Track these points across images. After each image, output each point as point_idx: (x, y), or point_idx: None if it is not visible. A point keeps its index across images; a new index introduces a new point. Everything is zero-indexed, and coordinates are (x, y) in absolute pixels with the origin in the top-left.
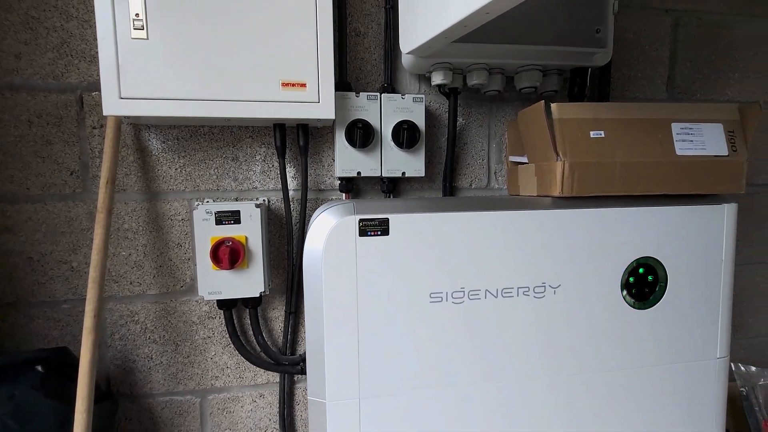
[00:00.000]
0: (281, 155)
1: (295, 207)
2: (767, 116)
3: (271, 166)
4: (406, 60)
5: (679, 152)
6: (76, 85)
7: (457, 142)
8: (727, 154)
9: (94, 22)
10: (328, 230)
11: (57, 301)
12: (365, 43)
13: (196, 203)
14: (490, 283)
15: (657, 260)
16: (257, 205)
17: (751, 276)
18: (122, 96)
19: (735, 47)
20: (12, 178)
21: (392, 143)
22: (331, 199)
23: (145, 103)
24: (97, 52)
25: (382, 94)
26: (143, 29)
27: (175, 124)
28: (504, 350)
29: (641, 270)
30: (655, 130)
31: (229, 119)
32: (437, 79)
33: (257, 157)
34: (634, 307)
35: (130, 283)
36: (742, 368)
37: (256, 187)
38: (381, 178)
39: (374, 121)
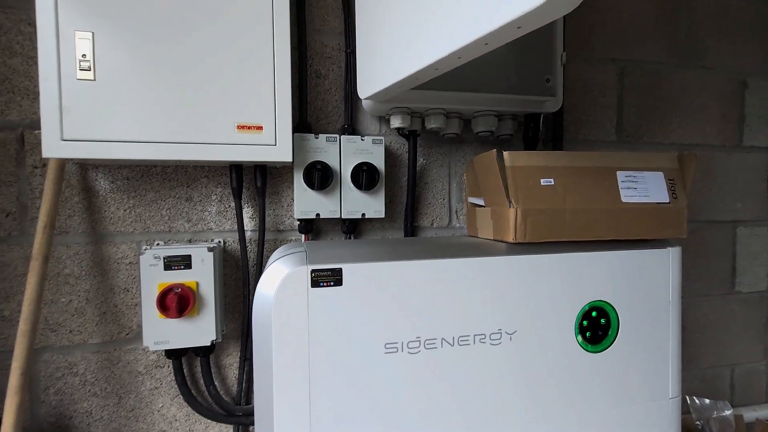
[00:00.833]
0: (237, 196)
1: (252, 248)
2: (708, 159)
3: (227, 206)
4: (365, 103)
5: (624, 199)
6: (17, 122)
7: (418, 182)
8: (668, 201)
9: None
10: (278, 281)
11: None
12: (326, 84)
13: (144, 248)
14: (446, 331)
15: (608, 303)
16: (210, 249)
17: (701, 309)
18: (64, 138)
19: (675, 94)
20: None
21: (352, 185)
22: (291, 240)
23: (90, 146)
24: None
25: (342, 136)
26: (90, 70)
27: (125, 164)
28: (461, 399)
29: (594, 313)
30: (602, 178)
31: (181, 161)
32: (396, 122)
33: (213, 198)
34: (588, 351)
35: (70, 332)
36: (697, 402)
37: (211, 228)
38: (341, 219)
39: (333, 163)
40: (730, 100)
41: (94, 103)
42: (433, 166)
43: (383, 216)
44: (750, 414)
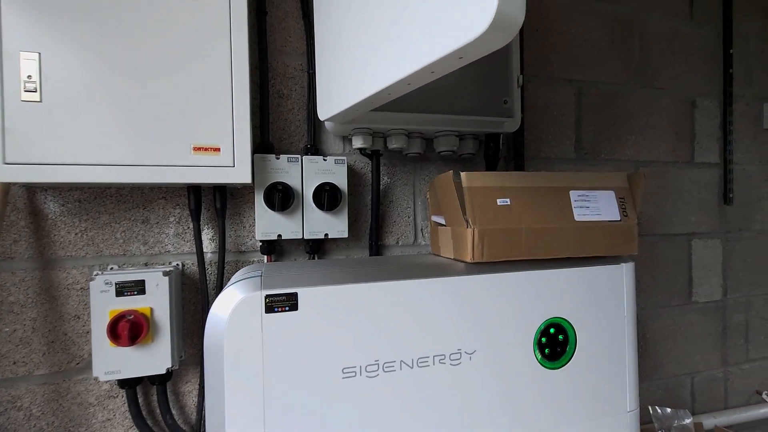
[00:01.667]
0: (195, 219)
1: (213, 271)
2: (662, 175)
3: (186, 228)
4: (327, 124)
5: (577, 218)
6: None
7: (383, 200)
8: (619, 219)
9: None
10: (231, 308)
11: None
12: (289, 104)
13: (95, 273)
14: (405, 353)
15: (566, 320)
16: (165, 273)
17: (661, 319)
18: (7, 161)
19: (630, 113)
20: None
21: (314, 205)
22: (253, 261)
23: (35, 169)
24: None
25: (304, 156)
26: (36, 91)
27: (76, 186)
28: (422, 422)
29: (552, 330)
30: (556, 198)
31: (135, 184)
32: (357, 143)
33: (171, 219)
34: (547, 367)
35: (14, 364)
36: (659, 411)
37: (168, 251)
38: (304, 240)
39: (295, 184)
40: (681, 119)
41: (40, 125)
42: (397, 185)
43: (346, 236)
44: (709, 421)
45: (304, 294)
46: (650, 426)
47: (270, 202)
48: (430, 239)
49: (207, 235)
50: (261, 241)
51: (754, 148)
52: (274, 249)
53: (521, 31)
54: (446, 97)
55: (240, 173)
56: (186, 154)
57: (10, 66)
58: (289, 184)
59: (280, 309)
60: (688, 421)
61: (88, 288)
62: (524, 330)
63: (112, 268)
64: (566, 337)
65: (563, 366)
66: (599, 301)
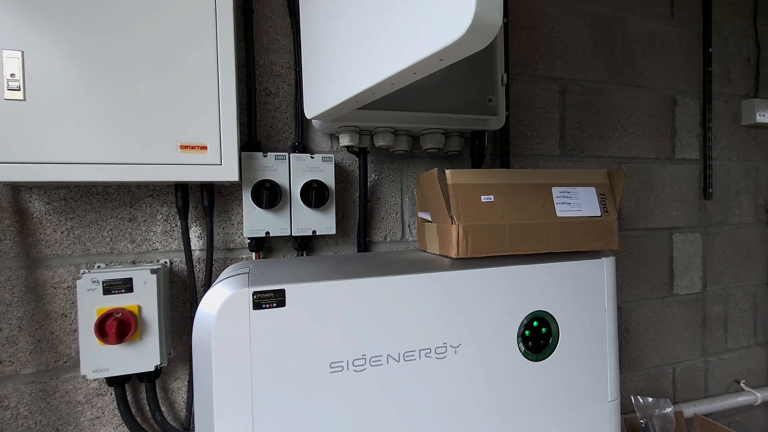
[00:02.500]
0: (183, 216)
1: (201, 268)
2: (644, 170)
3: (174, 225)
4: (315, 122)
5: (559, 214)
6: None
7: (371, 197)
8: (600, 215)
9: None
10: (219, 304)
11: None
12: (276, 102)
13: (82, 271)
14: (391, 347)
15: (549, 313)
16: (153, 271)
17: (643, 311)
18: None
19: (613, 110)
20: None
21: (302, 202)
22: (241, 259)
23: (19, 168)
24: None
25: (291, 154)
26: (20, 90)
27: (62, 185)
28: (408, 414)
29: (535, 323)
30: (538, 194)
31: (121, 182)
32: (344, 140)
33: (158, 217)
34: (530, 360)
35: (0, 363)
36: (641, 400)
37: (156, 249)
38: (292, 237)
39: (283, 181)
40: (662, 116)
41: (23, 123)
42: (385, 182)
43: (334, 233)
44: (689, 410)
45: (292, 290)
46: (632, 415)
47: (258, 200)
48: (417, 236)
49: (195, 233)
50: (249, 238)
51: (733, 144)
52: (263, 246)
53: (506, 30)
54: (432, 95)
55: (227, 171)
56: (172, 152)
57: None
58: (277, 181)
59: (267, 305)
60: (668, 410)
61: (75, 286)
62: (508, 323)
63: (99, 267)
64: (549, 330)
65: (546, 358)
66: (581, 294)
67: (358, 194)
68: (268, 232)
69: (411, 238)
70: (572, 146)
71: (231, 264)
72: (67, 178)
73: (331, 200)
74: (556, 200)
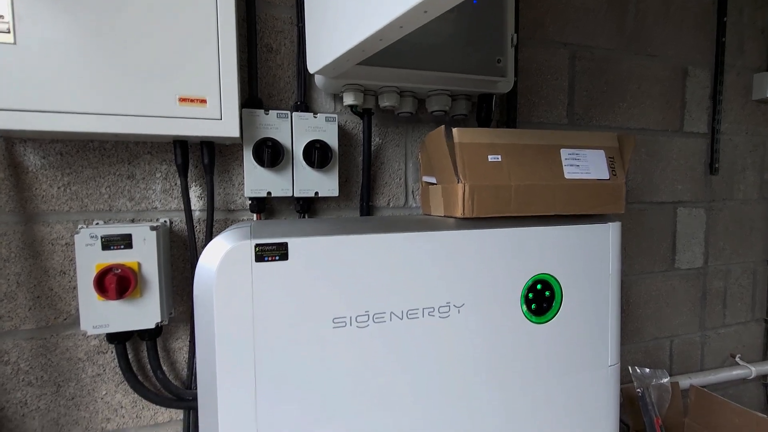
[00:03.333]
0: (183, 174)
1: (201, 228)
2: (652, 143)
3: (173, 184)
4: (318, 79)
5: (567, 176)
6: None
7: (374, 162)
8: (608, 178)
9: None
10: (220, 257)
11: None
12: (278, 59)
13: (81, 226)
14: (395, 305)
15: (552, 276)
16: (153, 228)
17: (644, 284)
18: None
19: (623, 79)
20: None
21: (304, 162)
22: (242, 220)
23: (9, 116)
24: None
25: (294, 113)
26: (9, 32)
27: (57, 138)
28: (410, 372)
29: (539, 286)
30: (546, 156)
31: (118, 134)
32: (348, 99)
33: (157, 175)
34: (533, 322)
35: None
36: (638, 371)
37: (155, 207)
38: (294, 198)
39: (285, 140)
40: (672, 87)
41: (12, 68)
42: (389, 146)
43: (337, 194)
44: (685, 381)
45: (295, 244)
46: (630, 386)
47: (259, 158)
48: (420, 200)
49: (195, 193)
50: (250, 198)
51: (742, 118)
52: (264, 207)
53: None
54: (439, 54)
55: (227, 126)
56: (171, 104)
57: None
58: (279, 140)
59: (270, 258)
60: (665, 380)
61: (73, 243)
62: (512, 285)
63: (97, 224)
64: (552, 293)
65: (549, 321)
66: (585, 258)
67: (361, 158)
68: (269, 192)
69: (414, 204)
70: (580, 115)
71: (231, 225)
72: (60, 128)
73: (334, 161)
74: (564, 162)
